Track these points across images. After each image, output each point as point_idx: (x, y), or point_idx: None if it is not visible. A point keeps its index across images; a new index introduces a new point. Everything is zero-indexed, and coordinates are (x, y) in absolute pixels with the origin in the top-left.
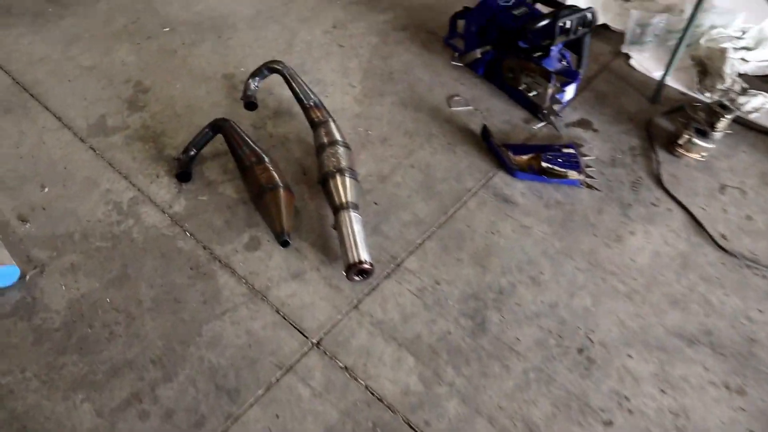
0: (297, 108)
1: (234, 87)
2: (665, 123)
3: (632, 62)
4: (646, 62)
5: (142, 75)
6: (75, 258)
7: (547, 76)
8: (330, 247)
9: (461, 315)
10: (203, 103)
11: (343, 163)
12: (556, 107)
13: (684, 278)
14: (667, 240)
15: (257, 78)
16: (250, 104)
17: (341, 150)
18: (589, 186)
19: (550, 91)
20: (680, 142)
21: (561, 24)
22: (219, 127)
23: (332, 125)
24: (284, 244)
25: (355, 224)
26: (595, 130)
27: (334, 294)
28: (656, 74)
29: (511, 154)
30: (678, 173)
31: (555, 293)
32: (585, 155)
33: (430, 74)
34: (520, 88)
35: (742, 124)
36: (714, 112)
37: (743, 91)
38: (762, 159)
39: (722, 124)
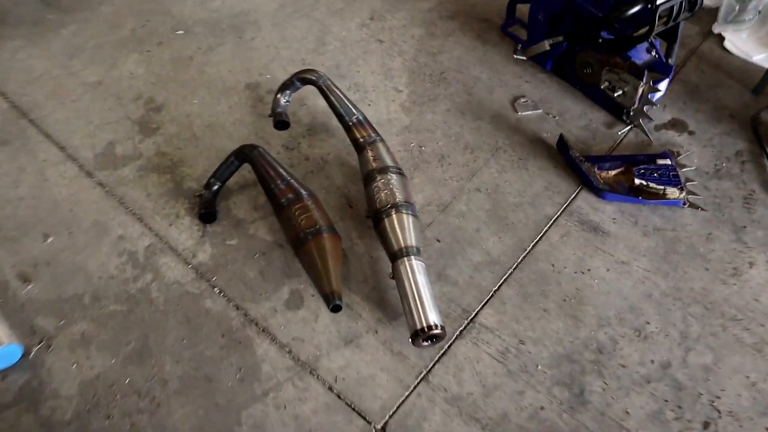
0: (335, 121)
1: (260, 99)
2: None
3: (727, 44)
4: (745, 44)
5: (154, 90)
6: (86, 326)
7: (638, 72)
8: (388, 301)
9: (554, 383)
10: (225, 120)
11: (399, 197)
12: (646, 109)
13: None
14: None
15: (287, 92)
16: (281, 123)
17: (394, 178)
18: (693, 205)
19: (640, 90)
20: None
21: (660, 9)
22: (246, 155)
23: (381, 147)
24: (335, 309)
25: (418, 276)
26: (690, 133)
27: (397, 363)
28: (757, 58)
29: (596, 170)
30: None
31: (666, 349)
32: (683, 166)
33: (488, 72)
34: (601, 86)
35: None
36: None
37: None
38: None
39: None
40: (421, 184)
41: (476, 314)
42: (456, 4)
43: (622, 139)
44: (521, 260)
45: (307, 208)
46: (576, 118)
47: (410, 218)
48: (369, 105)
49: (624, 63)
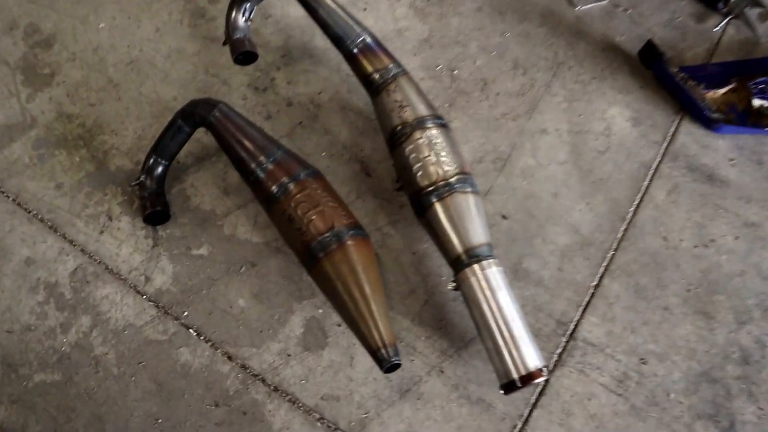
0: (321, 38)
1: (201, 13)
2: None
3: None
4: None
5: (35, 12)
6: (2, 414)
7: None
8: (451, 319)
9: (695, 417)
10: (155, 52)
11: (450, 167)
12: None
13: None
14: None
15: (246, 4)
16: (244, 55)
17: (438, 136)
18: None
19: None
20: None
21: None
22: (200, 118)
23: (407, 85)
24: (392, 368)
25: (500, 294)
26: None
27: (478, 415)
28: None
29: (701, 91)
30: None
31: None
32: None
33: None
34: None
35: None
36: None
37: None
38: None
39: None
40: (464, 130)
41: (576, 326)
42: None
43: (721, 36)
44: (622, 236)
45: (313, 199)
46: (655, 11)
47: (472, 199)
48: (364, 10)
49: None
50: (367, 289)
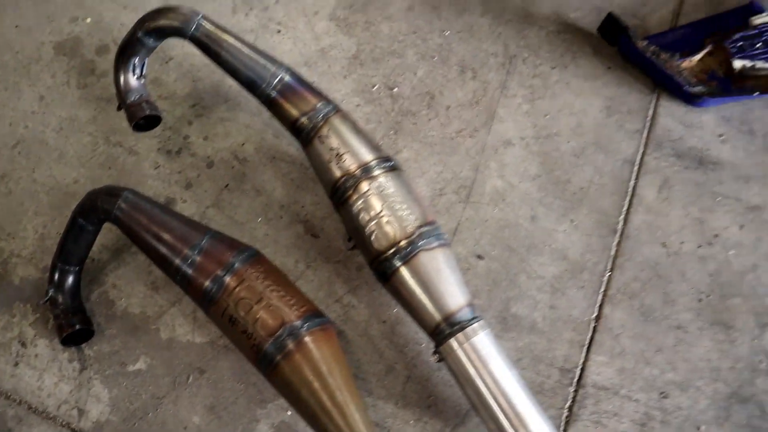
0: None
1: (90, 68)
2: None
3: None
4: None
5: None
6: None
7: None
8: (439, 394)
9: None
10: (43, 125)
11: (409, 221)
12: None
13: None
14: None
15: (135, 59)
16: (144, 122)
17: (388, 184)
18: None
19: None
20: None
21: None
22: (103, 212)
23: (342, 125)
24: None
25: (493, 363)
26: None
27: None
28: None
29: (677, 62)
30: None
31: None
32: None
33: None
34: None
35: None
36: None
37: None
38: None
39: None
40: (417, 159)
41: (583, 371)
42: None
43: None
44: (616, 252)
45: (256, 291)
46: None
47: (442, 255)
48: (279, 32)
49: None
50: (338, 395)
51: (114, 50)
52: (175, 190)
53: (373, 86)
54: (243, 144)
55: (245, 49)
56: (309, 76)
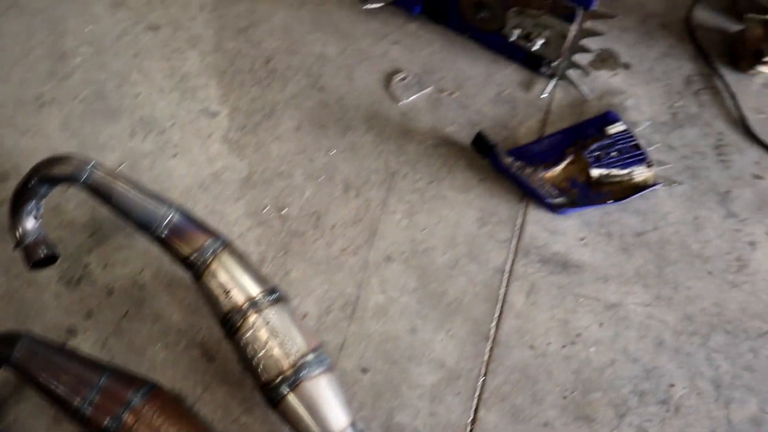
0: None
1: None
2: (709, 16)
3: None
4: None
5: None
6: None
7: (566, 12)
8: None
9: None
10: None
11: (294, 351)
12: (579, 59)
13: None
14: None
15: (30, 204)
16: (42, 261)
17: (275, 316)
18: (668, 181)
19: (571, 35)
20: (762, 49)
21: None
22: (2, 359)
23: (229, 260)
24: None
25: None
26: (626, 66)
27: None
28: None
29: (541, 173)
30: (763, 105)
31: (704, 414)
32: (636, 124)
33: (335, 42)
34: (510, 38)
35: None
36: None
37: None
38: None
39: None
40: (304, 279)
41: None
42: None
43: (551, 102)
44: (489, 357)
45: (153, 427)
46: (481, 88)
47: (325, 381)
48: (174, 156)
49: (542, 1)
50: None
51: (14, 177)
52: (75, 321)
53: (264, 208)
54: (141, 271)
55: (135, 194)
56: (203, 199)
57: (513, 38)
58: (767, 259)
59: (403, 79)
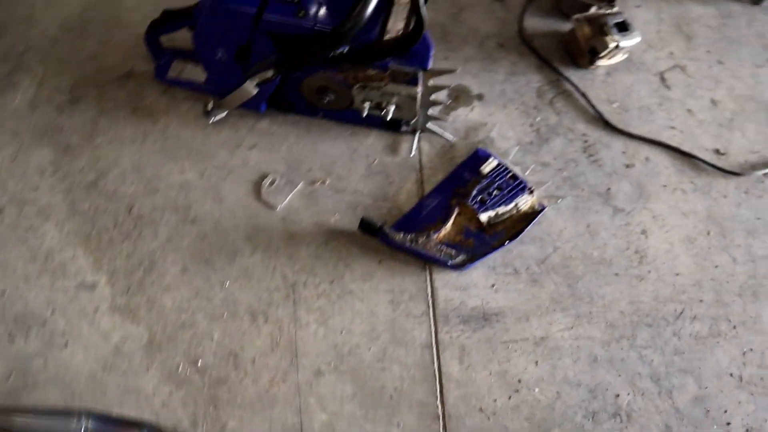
0: None
1: None
2: (539, 23)
3: None
4: None
5: None
6: None
7: (408, 78)
8: None
9: None
10: None
11: None
12: (435, 112)
13: (741, 244)
14: (683, 208)
15: None
16: None
17: None
18: (552, 198)
19: (419, 96)
20: (594, 46)
21: None
22: None
23: None
24: None
25: None
26: (479, 97)
27: None
28: None
29: (434, 236)
30: (613, 94)
31: (654, 410)
32: (506, 154)
33: (191, 164)
34: (363, 114)
35: None
36: None
37: None
38: (659, 4)
39: None
40: (242, 425)
41: None
42: (67, 75)
43: (421, 158)
44: None
45: None
46: (350, 166)
47: None
48: (66, 346)
49: (381, 74)
50: None
51: None
52: None
53: (178, 367)
54: None
55: (36, 421)
56: (112, 381)
57: (365, 112)
58: (661, 243)
59: (272, 182)
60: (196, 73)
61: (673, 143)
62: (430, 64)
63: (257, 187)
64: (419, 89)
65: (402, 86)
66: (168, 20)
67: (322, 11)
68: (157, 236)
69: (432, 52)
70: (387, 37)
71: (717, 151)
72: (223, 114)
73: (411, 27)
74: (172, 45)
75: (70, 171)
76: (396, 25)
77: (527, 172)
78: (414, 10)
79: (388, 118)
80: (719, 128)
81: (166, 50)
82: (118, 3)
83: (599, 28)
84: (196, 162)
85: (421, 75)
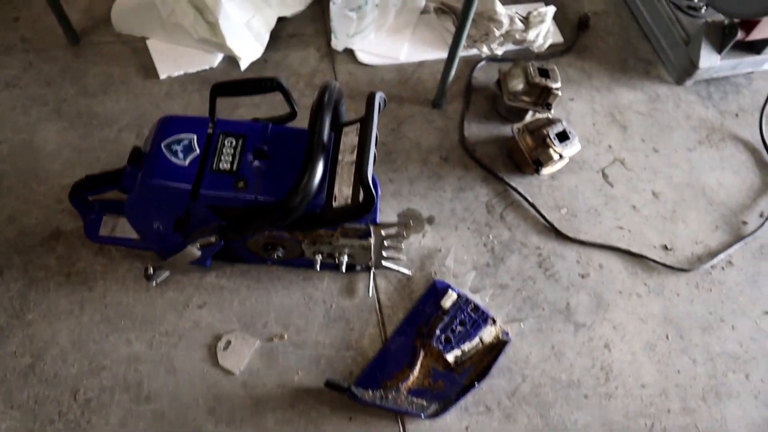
0: None
1: None
2: (479, 129)
3: (361, 57)
4: (381, 46)
5: None
6: None
7: (359, 233)
8: None
9: None
10: None
11: None
12: (388, 253)
13: (698, 343)
14: (640, 313)
15: None
16: None
17: None
18: (515, 320)
19: (373, 246)
20: (538, 158)
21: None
22: None
23: None
24: None
25: None
26: (430, 221)
27: None
28: (404, 55)
29: (403, 385)
30: (560, 199)
31: None
32: (464, 284)
33: (137, 333)
34: (316, 266)
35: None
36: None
37: (526, 23)
38: (592, 94)
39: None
40: None
41: None
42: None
43: (379, 298)
44: None
45: None
46: (307, 316)
47: None
48: None
49: (331, 232)
50: None
51: None
52: None
53: None
54: None
55: None
56: None
57: (318, 264)
58: (624, 355)
59: (228, 344)
60: (130, 228)
61: (623, 245)
62: (379, 217)
63: (212, 351)
64: (372, 240)
65: (354, 239)
66: (92, 184)
67: (262, 180)
68: (108, 422)
69: (379, 204)
70: (336, 203)
71: (665, 247)
72: (166, 275)
73: (361, 199)
74: (101, 197)
75: (2, 356)
76: (342, 190)
77: (487, 298)
78: (362, 182)
79: (343, 269)
80: (664, 222)
81: (94, 205)
82: (34, 152)
83: (541, 140)
84: (142, 330)
85: (372, 228)
